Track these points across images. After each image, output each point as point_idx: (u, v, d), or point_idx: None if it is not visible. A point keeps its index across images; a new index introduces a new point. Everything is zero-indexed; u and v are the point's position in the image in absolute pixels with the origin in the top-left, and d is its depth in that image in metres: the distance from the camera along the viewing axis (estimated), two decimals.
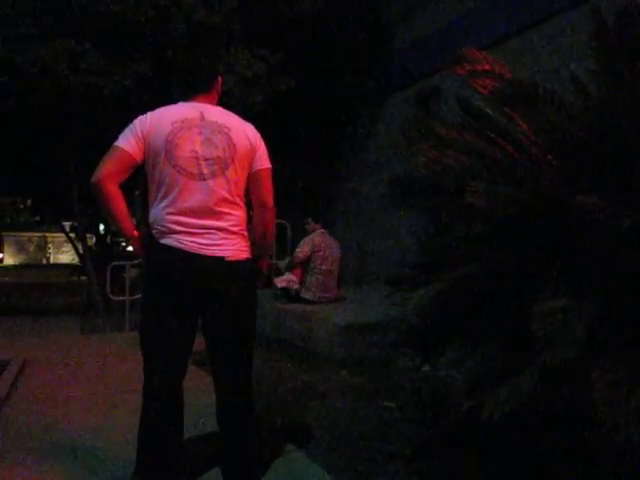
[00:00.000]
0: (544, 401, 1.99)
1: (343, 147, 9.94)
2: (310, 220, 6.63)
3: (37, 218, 15.18)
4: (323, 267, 6.31)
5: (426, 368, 4.17)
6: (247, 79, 7.13)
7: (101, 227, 11.74)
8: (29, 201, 15.31)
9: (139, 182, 2.34)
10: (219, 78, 2.62)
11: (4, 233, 38.04)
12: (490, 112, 2.72)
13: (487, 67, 2.53)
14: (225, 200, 2.41)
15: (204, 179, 2.37)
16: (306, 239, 6.53)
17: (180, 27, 6.93)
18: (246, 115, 2.61)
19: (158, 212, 2.41)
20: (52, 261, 41.28)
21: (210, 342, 2.54)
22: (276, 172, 2.64)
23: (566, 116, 2.29)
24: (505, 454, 2.52)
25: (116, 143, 2.39)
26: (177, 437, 2.51)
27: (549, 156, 2.40)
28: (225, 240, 2.41)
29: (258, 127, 2.57)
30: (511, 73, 2.54)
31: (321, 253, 6.34)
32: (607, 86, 2.27)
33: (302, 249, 6.43)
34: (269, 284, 6.56)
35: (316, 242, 6.42)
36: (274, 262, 7.45)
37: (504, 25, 6.81)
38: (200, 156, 2.37)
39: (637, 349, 1.86)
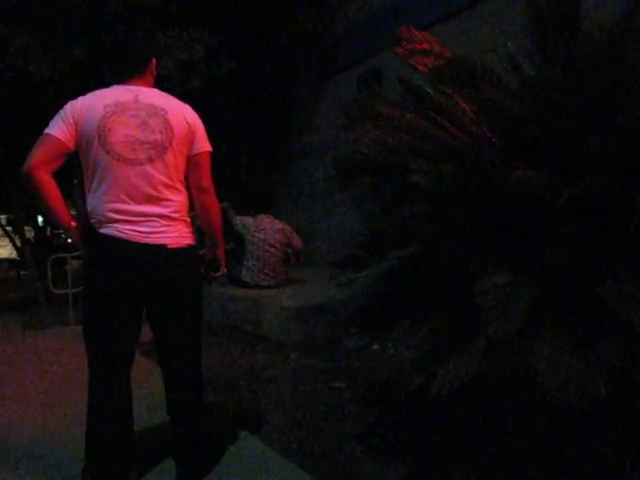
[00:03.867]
0: (491, 374, 2.04)
1: (286, 129, 9.88)
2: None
3: None
4: (259, 253, 6.13)
5: (376, 347, 4.22)
6: (185, 62, 6.95)
7: (39, 219, 11.32)
8: None
9: (77, 170, 2.24)
10: (153, 59, 2.54)
11: None
12: (430, 91, 2.73)
13: (426, 46, 2.54)
14: (164, 185, 2.35)
15: (141, 164, 2.30)
16: (238, 218, 6.42)
17: (115, 8, 6.68)
18: (186, 99, 2.54)
19: (95, 200, 2.34)
20: None
21: (156, 331, 2.49)
22: (219, 156, 2.58)
23: (504, 94, 2.33)
24: (456, 428, 2.58)
25: (46, 130, 2.28)
26: (127, 430, 2.46)
27: (489, 134, 2.44)
28: (166, 227, 2.35)
29: (199, 110, 2.51)
30: (450, 52, 2.56)
31: (255, 236, 6.17)
32: (541, 64, 2.31)
33: (235, 217, 6.36)
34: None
35: (250, 223, 6.28)
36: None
37: (444, 5, 6.86)
38: (136, 140, 2.29)
39: (578, 317, 1.92)
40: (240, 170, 9.63)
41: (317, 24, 8.81)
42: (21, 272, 12.16)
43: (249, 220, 6.39)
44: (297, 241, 6.47)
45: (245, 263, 6.23)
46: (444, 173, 2.04)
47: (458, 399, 2.02)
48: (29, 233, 10.88)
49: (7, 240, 11.50)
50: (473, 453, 2.48)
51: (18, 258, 11.08)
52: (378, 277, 2.35)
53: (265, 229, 6.26)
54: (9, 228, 11.13)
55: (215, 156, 2.54)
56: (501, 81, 2.39)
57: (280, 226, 6.42)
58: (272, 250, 6.18)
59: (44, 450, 2.94)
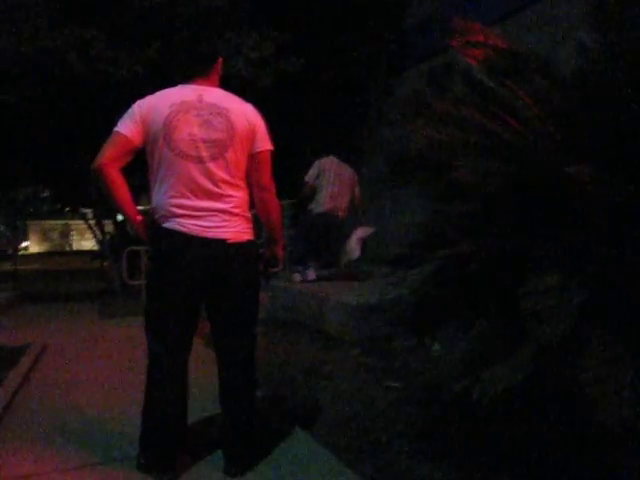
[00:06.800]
0: (537, 381, 1.95)
1: (357, 126, 9.84)
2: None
3: (58, 206, 15.40)
4: (330, 188, 6.56)
5: (436, 347, 4.14)
6: (255, 61, 7.09)
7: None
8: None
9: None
10: (219, 59, 2.61)
11: (29, 221, 38.72)
12: (492, 84, 2.64)
13: (481, 38, 2.46)
14: (225, 182, 2.43)
15: (203, 161, 2.39)
16: (314, 163, 6.77)
17: (187, 11, 6.90)
18: (256, 97, 2.59)
19: (159, 196, 2.45)
20: (75, 248, 41.90)
21: (212, 323, 2.57)
22: (286, 154, 2.61)
23: (560, 87, 2.22)
24: (499, 435, 2.49)
25: (116, 128, 2.42)
26: (180, 415, 2.55)
27: (550, 128, 2.33)
28: (227, 222, 2.43)
29: (269, 108, 2.55)
30: (506, 44, 2.47)
31: (327, 174, 6.59)
32: (598, 55, 2.19)
33: (309, 173, 6.69)
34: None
35: (322, 163, 6.66)
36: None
37: None
38: (198, 139, 2.38)
39: (633, 325, 1.82)
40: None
41: (387, 19, 8.74)
42: (104, 263, 12.73)
43: (322, 160, 6.74)
44: (359, 192, 6.98)
45: (317, 198, 6.61)
46: (490, 170, 1.97)
47: (502, 405, 1.95)
48: (109, 227, 11.39)
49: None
50: (515, 461, 2.37)
51: (100, 250, 11.66)
52: (427, 276, 2.30)
53: (339, 168, 6.75)
54: (92, 222, 11.69)
55: (283, 153, 2.57)
56: (556, 73, 2.27)
57: (351, 170, 6.93)
58: (347, 188, 6.74)
59: (107, 430, 3.06)
